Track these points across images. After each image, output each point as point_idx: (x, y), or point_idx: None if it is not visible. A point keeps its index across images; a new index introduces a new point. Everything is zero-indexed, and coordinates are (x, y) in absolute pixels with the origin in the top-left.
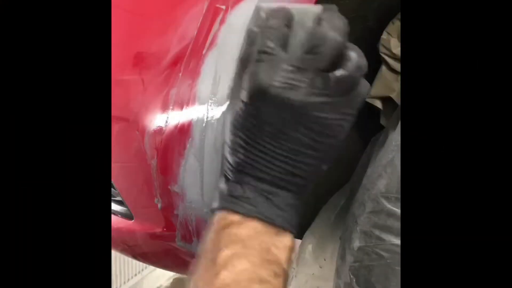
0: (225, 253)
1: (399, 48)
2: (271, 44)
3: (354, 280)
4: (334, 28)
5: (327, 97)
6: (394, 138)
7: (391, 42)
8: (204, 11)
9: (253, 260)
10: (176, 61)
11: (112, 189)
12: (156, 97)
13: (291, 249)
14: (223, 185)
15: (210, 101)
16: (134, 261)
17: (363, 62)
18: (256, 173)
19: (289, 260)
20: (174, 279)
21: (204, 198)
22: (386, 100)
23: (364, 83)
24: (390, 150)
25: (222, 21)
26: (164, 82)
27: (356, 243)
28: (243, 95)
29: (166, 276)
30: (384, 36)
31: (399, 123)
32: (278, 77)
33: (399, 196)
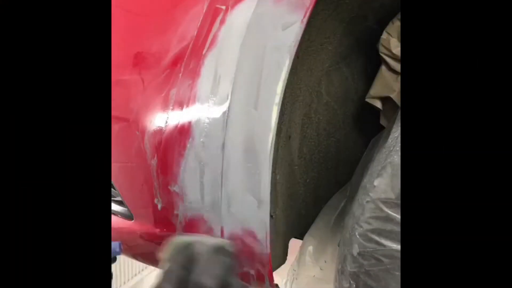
0: None
1: (399, 48)
2: (167, 286)
3: (354, 285)
4: (212, 275)
5: None
6: (394, 138)
7: (391, 42)
8: (204, 11)
9: None
10: (176, 61)
11: (112, 189)
12: (156, 97)
13: None
14: None
15: (210, 101)
16: (134, 261)
17: None
18: None
19: None
20: None
21: (204, 198)
22: (386, 100)
23: None
24: (390, 150)
25: (222, 21)
26: (164, 82)
27: (356, 248)
28: None
29: None
30: (384, 36)
31: (399, 123)
32: None
33: (399, 202)
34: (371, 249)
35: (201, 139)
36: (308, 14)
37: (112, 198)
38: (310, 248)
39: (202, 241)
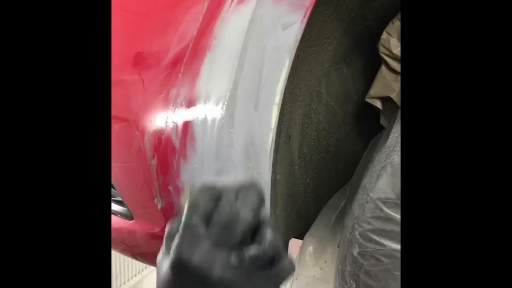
0: None
1: (399, 48)
2: (194, 220)
3: (354, 285)
4: (247, 206)
5: (242, 273)
6: (394, 138)
7: (391, 42)
8: (204, 11)
9: None
10: (176, 61)
11: (112, 189)
12: (156, 97)
13: None
14: None
15: (210, 101)
16: (134, 261)
17: (278, 241)
18: None
19: None
20: None
21: None
22: (386, 100)
23: (287, 261)
24: (390, 150)
25: (222, 21)
26: (164, 82)
27: (356, 248)
28: (168, 264)
29: None
30: (384, 36)
31: (399, 123)
32: (197, 254)
33: (399, 201)
34: (371, 249)
35: (201, 139)
36: (308, 14)
37: (112, 198)
38: (310, 248)
39: (227, 180)
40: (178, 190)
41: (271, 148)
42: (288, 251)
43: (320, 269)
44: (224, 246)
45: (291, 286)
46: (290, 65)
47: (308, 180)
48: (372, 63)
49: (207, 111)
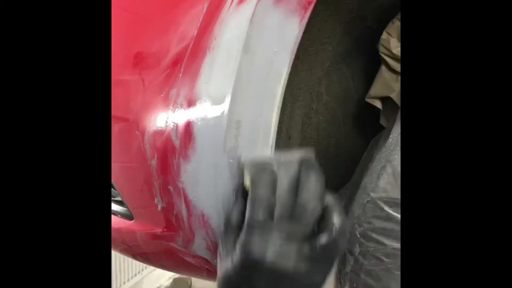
0: None
1: (399, 48)
2: (261, 216)
3: (354, 285)
4: (313, 195)
5: (313, 263)
6: (394, 138)
7: (391, 42)
8: (204, 11)
9: None
10: (176, 61)
11: (112, 189)
12: (156, 97)
13: None
14: None
15: (210, 101)
16: (134, 261)
17: (347, 226)
18: None
19: None
20: (174, 279)
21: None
22: (386, 100)
23: (343, 240)
24: (390, 150)
25: (222, 21)
26: (164, 82)
27: (356, 248)
28: (235, 261)
29: (166, 276)
30: (384, 36)
31: (399, 123)
32: (270, 250)
33: (399, 201)
34: (372, 249)
35: (201, 139)
36: (308, 14)
37: (112, 198)
38: None
39: (283, 156)
40: (178, 190)
41: (271, 148)
42: None
43: None
44: (295, 239)
45: None
46: (290, 65)
47: None
48: (372, 63)
49: (207, 111)
